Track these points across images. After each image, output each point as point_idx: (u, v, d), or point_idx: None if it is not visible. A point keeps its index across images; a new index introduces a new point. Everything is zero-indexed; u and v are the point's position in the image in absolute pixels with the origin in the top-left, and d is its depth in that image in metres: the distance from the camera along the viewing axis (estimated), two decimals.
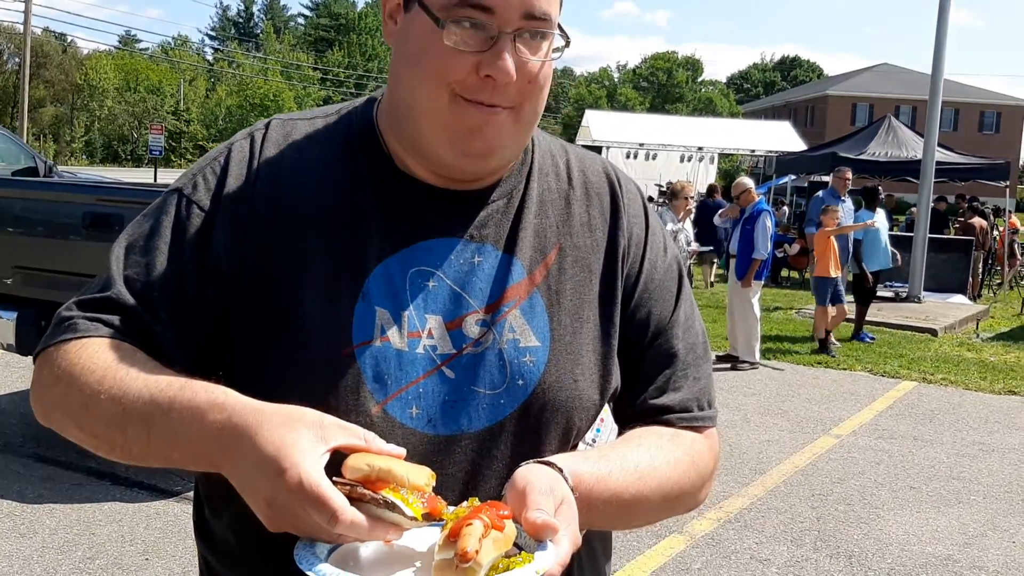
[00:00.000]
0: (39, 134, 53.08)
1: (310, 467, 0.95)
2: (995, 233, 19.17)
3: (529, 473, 1.05)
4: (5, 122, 46.79)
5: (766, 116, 59.73)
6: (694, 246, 12.94)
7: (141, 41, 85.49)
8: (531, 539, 1.00)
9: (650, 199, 18.74)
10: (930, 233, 15.74)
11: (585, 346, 1.25)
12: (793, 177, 23.71)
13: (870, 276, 12.01)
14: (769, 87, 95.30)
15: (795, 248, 18.54)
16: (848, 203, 12.71)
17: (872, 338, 12.22)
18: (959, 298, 16.14)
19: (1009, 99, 64.52)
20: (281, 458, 0.96)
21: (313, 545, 1.00)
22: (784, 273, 19.01)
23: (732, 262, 10.48)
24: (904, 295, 15.61)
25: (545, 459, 1.11)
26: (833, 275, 11.10)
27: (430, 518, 1.00)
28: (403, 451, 1.03)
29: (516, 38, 1.13)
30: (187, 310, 1.18)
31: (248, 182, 1.22)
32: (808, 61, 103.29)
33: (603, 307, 1.28)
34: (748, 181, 10.77)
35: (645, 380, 1.30)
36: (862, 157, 18.80)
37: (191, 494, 5.48)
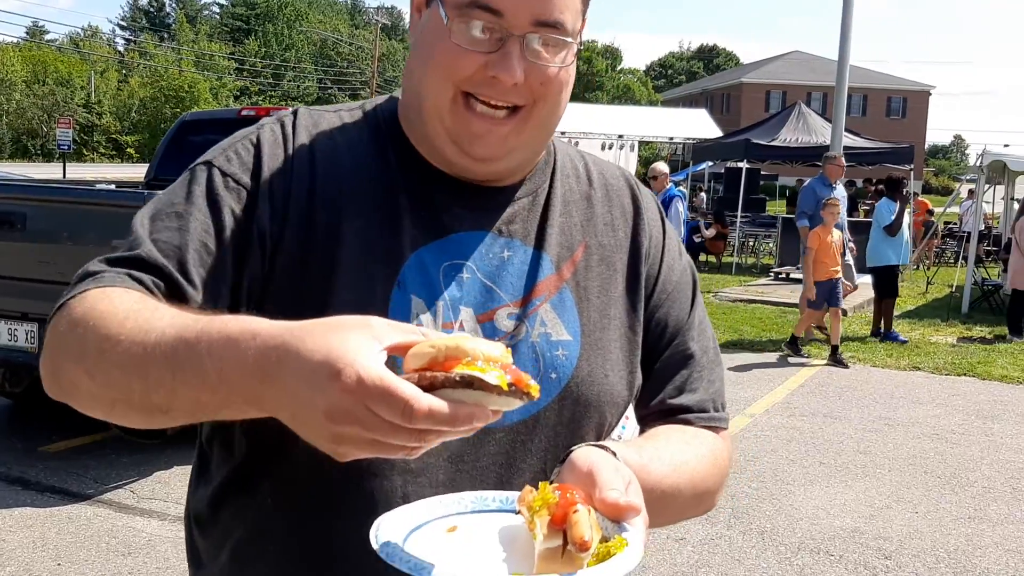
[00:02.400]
0: None
1: (367, 362, 0.83)
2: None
3: (591, 454, 1.03)
4: None
5: (684, 104, 60.50)
6: None
7: (49, 32, 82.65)
8: (607, 521, 0.96)
9: None
10: None
11: (613, 342, 1.27)
12: (710, 163, 24.10)
13: (888, 271, 11.38)
14: (691, 76, 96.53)
15: (711, 232, 18.90)
16: (840, 190, 11.54)
17: (904, 340, 11.55)
18: (867, 278, 16.59)
19: (914, 84, 66.55)
20: (333, 360, 0.83)
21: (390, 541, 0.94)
22: (703, 258, 19.36)
23: None
24: None
25: (596, 443, 1.10)
26: (830, 277, 9.98)
27: (517, 390, 0.87)
28: (467, 335, 0.94)
29: (526, 42, 1.14)
30: (222, 280, 1.14)
31: (285, 163, 1.20)
32: (725, 50, 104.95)
33: (627, 305, 1.31)
34: (663, 167, 10.96)
35: (662, 380, 1.32)
36: (774, 143, 19.21)
37: (105, 496, 5.39)
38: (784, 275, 16.62)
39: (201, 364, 0.92)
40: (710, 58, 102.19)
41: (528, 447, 1.20)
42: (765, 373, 9.63)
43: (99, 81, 64.37)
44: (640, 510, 0.97)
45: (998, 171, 15.57)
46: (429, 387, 0.84)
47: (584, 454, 1.04)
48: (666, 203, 10.27)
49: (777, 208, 27.13)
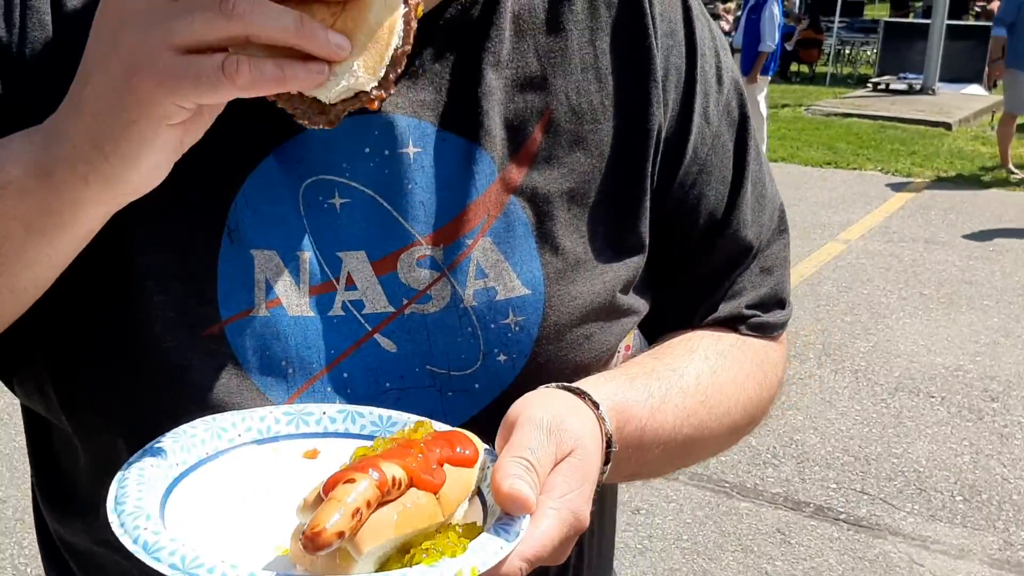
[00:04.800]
0: None
1: None
2: None
3: (532, 402, 0.69)
4: None
5: None
6: None
7: None
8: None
9: None
10: (948, 19, 14.90)
11: (601, 276, 0.82)
12: None
13: None
14: None
15: (799, 29, 17.67)
16: None
17: None
18: (975, 88, 15.46)
19: None
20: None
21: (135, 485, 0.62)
22: (794, 67, 18.25)
23: (736, 57, 9.89)
24: (918, 87, 14.99)
25: (569, 384, 0.74)
26: None
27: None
28: None
29: None
30: None
31: (5, 16, 0.73)
32: None
33: (623, 203, 0.83)
34: None
35: (699, 288, 0.92)
36: None
37: None
38: (884, 86, 15.58)
39: None
40: None
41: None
42: (862, 194, 9.07)
43: None
44: (532, 508, 0.61)
45: None
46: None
47: (526, 400, 0.69)
48: (760, 5, 9.47)
49: (877, 12, 25.37)
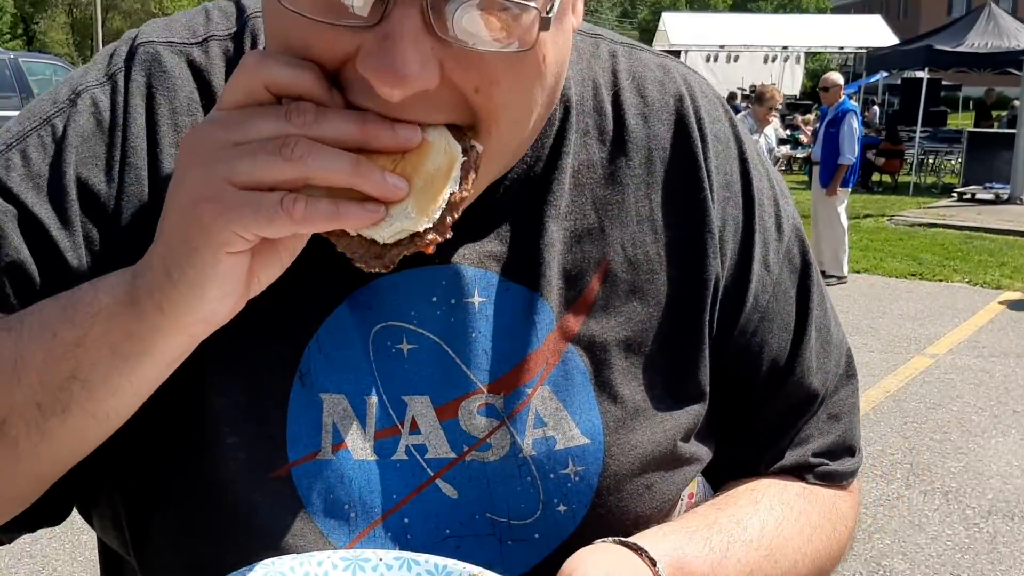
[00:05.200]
0: None
1: None
2: None
3: (586, 559, 0.71)
4: (85, 55, 47.65)
5: (856, 10, 56.87)
6: (784, 149, 12.26)
7: None
8: None
9: (730, 99, 17.81)
10: None
11: (661, 424, 0.83)
12: (885, 74, 22.45)
13: None
14: None
15: (880, 160, 17.53)
16: None
17: None
18: None
19: None
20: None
21: None
22: (876, 177, 18.12)
23: (815, 169, 9.89)
24: (1005, 196, 14.71)
25: (626, 540, 0.76)
26: None
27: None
28: None
29: (431, 6, 0.62)
30: None
31: (108, 169, 0.77)
32: None
33: (681, 351, 0.85)
34: (838, 77, 10.06)
35: (764, 435, 0.93)
36: (960, 49, 17.62)
37: None
38: (969, 196, 15.33)
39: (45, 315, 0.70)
40: None
41: None
42: (949, 306, 8.84)
43: None
44: None
45: None
46: None
47: (579, 558, 0.72)
48: (839, 119, 9.47)
49: (960, 121, 25.17)
